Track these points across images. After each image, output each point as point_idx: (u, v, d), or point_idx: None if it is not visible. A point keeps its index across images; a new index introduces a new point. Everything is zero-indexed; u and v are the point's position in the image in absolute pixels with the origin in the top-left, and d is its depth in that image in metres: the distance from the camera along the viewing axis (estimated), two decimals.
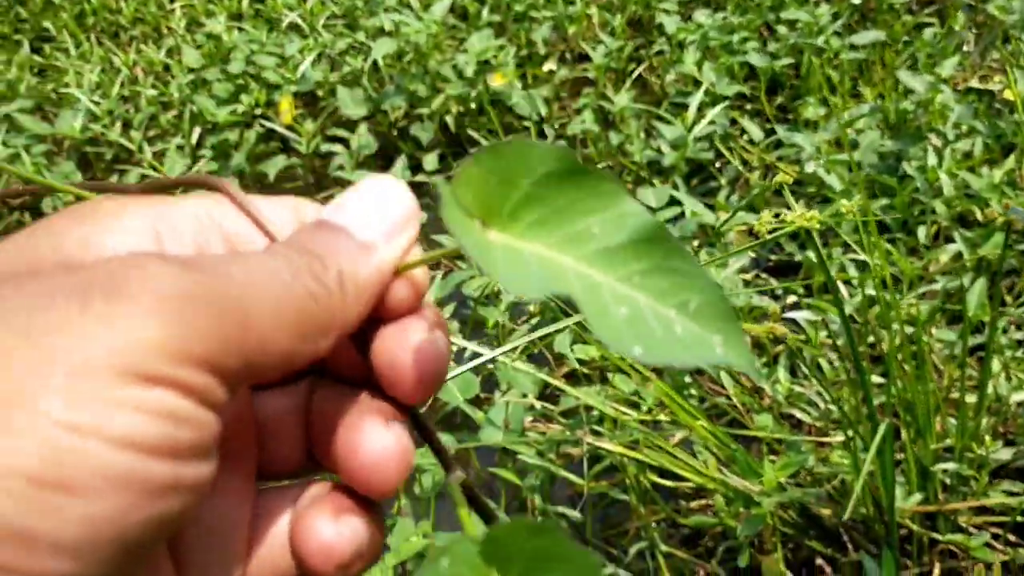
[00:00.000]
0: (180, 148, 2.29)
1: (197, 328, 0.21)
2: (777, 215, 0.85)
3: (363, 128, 2.21)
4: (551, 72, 2.36)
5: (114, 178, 2.30)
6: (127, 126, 2.44)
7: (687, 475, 1.11)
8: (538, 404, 1.29)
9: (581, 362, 1.38)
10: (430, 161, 2.07)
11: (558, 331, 1.40)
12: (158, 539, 0.21)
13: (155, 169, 2.25)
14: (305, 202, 0.28)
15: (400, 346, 0.25)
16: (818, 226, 0.81)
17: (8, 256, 0.23)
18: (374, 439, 0.25)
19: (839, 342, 1.23)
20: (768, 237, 0.85)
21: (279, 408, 0.28)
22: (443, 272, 1.66)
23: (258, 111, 2.34)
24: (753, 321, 1.36)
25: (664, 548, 1.21)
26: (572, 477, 1.17)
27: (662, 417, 1.18)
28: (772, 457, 1.14)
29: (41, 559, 0.19)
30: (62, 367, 0.19)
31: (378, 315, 0.26)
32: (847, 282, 1.35)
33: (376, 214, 0.25)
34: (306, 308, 0.23)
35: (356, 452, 0.25)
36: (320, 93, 2.46)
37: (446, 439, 1.26)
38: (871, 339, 1.26)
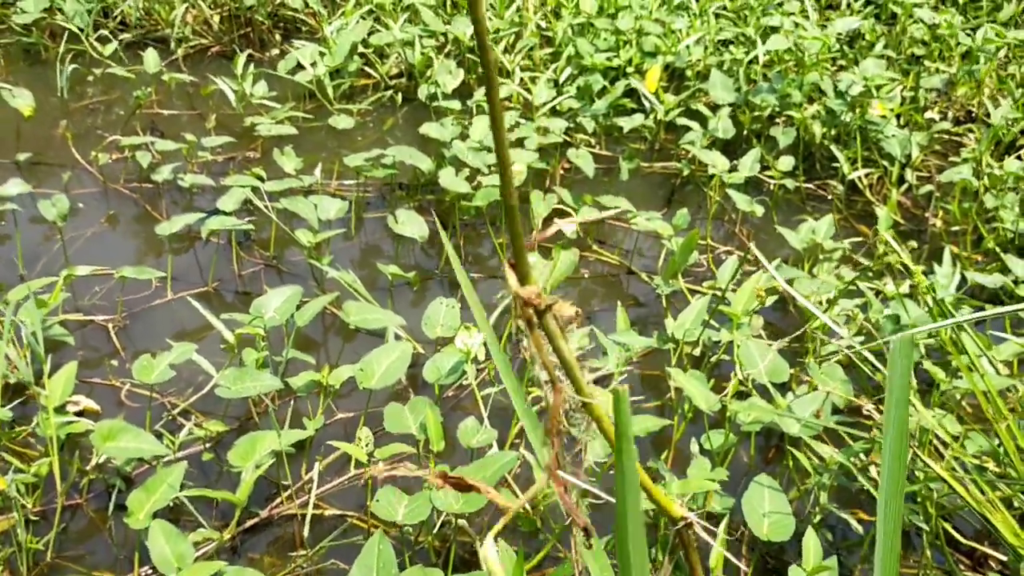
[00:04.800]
0: (549, 81, 2.42)
1: None
2: None
3: (725, 112, 2.23)
4: (931, 121, 2.27)
5: (480, 91, 2.45)
6: (506, 50, 2.61)
7: None
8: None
9: None
10: (783, 163, 2.06)
11: None
12: None
13: (527, 90, 2.39)
14: None
15: None
16: None
17: None
18: None
19: None
20: None
21: None
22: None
23: (629, 69, 2.43)
24: None
25: None
26: None
27: None
28: None
29: None
30: None
31: None
32: None
33: None
34: None
35: None
36: (688, 73, 2.51)
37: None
38: None
